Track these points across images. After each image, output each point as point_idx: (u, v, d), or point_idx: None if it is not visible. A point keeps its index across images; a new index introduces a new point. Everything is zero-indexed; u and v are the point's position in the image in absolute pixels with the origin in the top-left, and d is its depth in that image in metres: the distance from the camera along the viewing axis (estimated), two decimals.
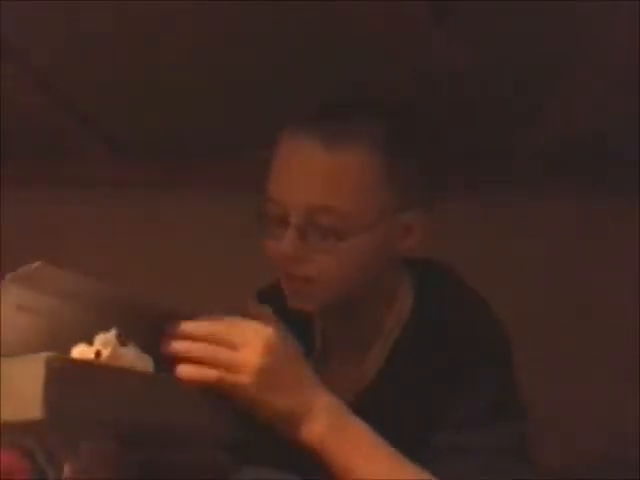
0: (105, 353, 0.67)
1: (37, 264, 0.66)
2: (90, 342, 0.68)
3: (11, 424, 0.60)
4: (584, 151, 1.58)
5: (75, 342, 0.68)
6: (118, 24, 1.05)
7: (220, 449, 0.81)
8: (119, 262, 1.70)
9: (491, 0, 0.96)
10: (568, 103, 1.31)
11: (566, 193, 1.68)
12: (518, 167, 1.64)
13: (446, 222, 1.66)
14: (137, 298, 0.72)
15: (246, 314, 0.80)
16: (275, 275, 0.96)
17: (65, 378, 0.61)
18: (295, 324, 0.99)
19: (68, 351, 0.67)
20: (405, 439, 0.88)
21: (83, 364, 0.65)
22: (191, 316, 0.77)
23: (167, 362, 0.74)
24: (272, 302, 1.01)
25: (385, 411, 0.92)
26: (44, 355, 0.60)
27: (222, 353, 0.76)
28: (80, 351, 0.67)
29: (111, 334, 0.68)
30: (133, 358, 0.69)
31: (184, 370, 0.75)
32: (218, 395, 0.75)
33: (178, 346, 0.76)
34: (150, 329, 0.74)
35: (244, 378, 0.75)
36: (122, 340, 0.68)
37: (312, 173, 0.83)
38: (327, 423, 0.78)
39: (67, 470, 0.64)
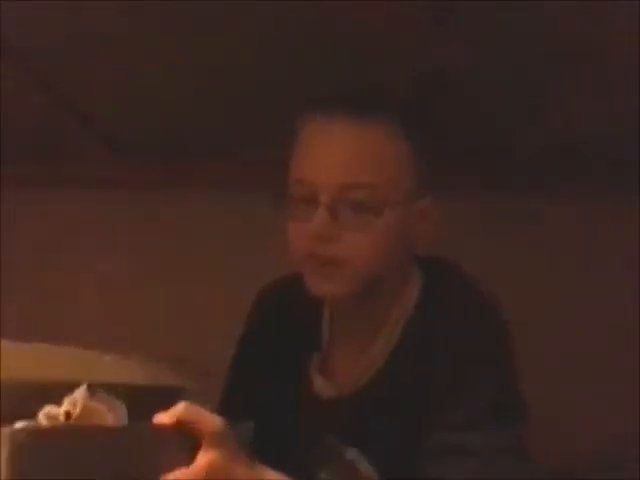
0: (75, 413, 0.65)
1: None
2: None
3: None
4: (584, 151, 1.58)
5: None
6: (118, 24, 1.05)
7: None
8: (119, 262, 1.70)
9: (491, 0, 0.96)
10: (568, 103, 1.31)
11: (566, 193, 1.68)
12: (518, 167, 1.64)
13: (446, 222, 1.66)
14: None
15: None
16: (275, 274, 0.96)
17: (31, 449, 0.60)
18: (302, 319, 1.00)
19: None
20: (404, 436, 0.88)
21: (49, 432, 0.63)
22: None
23: None
24: (275, 300, 1.02)
25: (385, 407, 0.92)
26: (7, 430, 0.59)
27: None
28: (47, 413, 0.65)
29: (80, 390, 0.67)
30: (105, 411, 0.67)
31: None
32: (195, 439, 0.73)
33: None
34: None
35: None
36: (92, 391, 0.67)
37: (342, 151, 0.84)
38: None
39: None
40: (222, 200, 1.63)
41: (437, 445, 0.85)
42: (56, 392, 0.67)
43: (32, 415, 0.65)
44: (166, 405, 0.71)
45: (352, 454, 0.94)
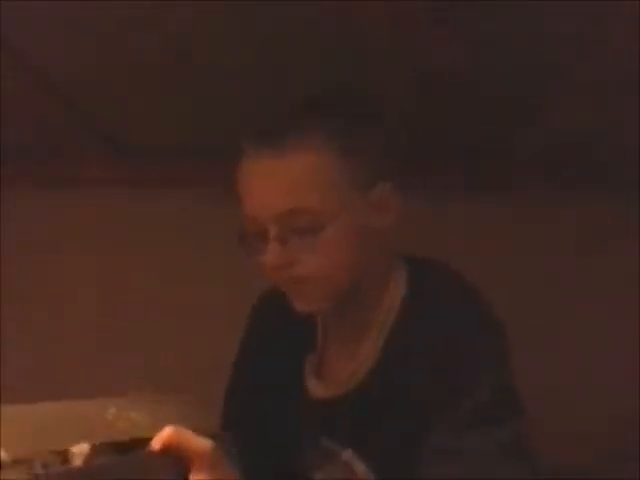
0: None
1: None
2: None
3: None
4: (584, 151, 1.58)
5: None
6: (118, 24, 1.05)
7: None
8: (119, 262, 1.70)
9: (491, 0, 0.96)
10: (568, 103, 1.31)
11: (566, 193, 1.68)
12: (518, 167, 1.65)
13: (446, 222, 1.67)
14: None
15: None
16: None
17: None
18: (298, 323, 1.00)
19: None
20: (400, 437, 0.88)
21: (73, 473, 0.65)
22: None
23: None
24: (275, 304, 1.03)
25: (380, 408, 0.92)
26: (43, 474, 0.61)
27: None
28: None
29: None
30: None
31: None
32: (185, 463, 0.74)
33: None
34: None
35: None
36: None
37: (270, 183, 0.88)
38: None
39: None
40: (222, 200, 1.63)
41: (435, 446, 0.85)
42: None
43: None
44: None
45: (347, 455, 0.94)
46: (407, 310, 0.94)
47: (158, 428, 0.71)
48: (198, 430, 0.73)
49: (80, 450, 0.68)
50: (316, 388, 1.00)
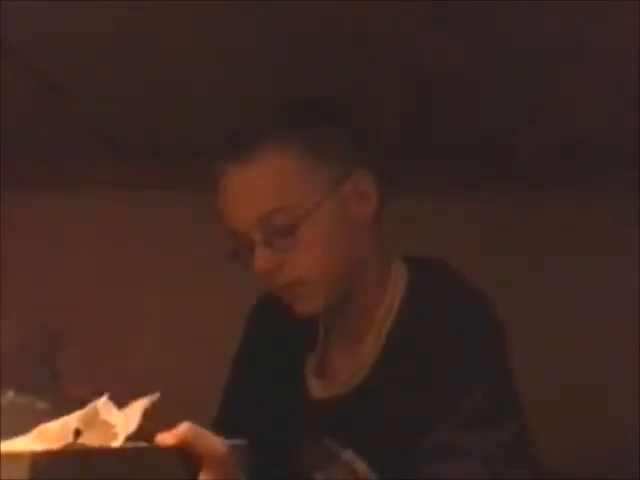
0: (84, 430, 0.66)
1: None
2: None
3: None
4: (584, 151, 1.58)
5: None
6: (118, 24, 1.05)
7: None
8: (119, 262, 1.70)
9: (491, 0, 0.96)
10: (568, 103, 1.31)
11: (566, 193, 1.68)
12: (518, 167, 1.64)
13: (446, 222, 1.67)
14: None
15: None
16: None
17: (51, 472, 0.59)
18: (298, 323, 1.00)
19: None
20: (401, 437, 0.88)
21: (68, 452, 0.63)
22: None
23: None
24: (274, 305, 1.03)
25: (380, 407, 0.92)
26: (29, 452, 0.59)
27: None
28: (58, 430, 0.65)
29: (90, 407, 0.67)
30: (113, 425, 0.68)
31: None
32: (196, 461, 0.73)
33: None
34: None
35: None
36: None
37: (243, 192, 0.92)
38: None
39: None
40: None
41: (435, 445, 0.85)
42: None
43: None
44: None
45: (348, 455, 0.94)
46: (407, 309, 0.94)
47: None
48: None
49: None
50: (317, 387, 1.00)
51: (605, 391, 1.60)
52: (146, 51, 1.14)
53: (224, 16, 1.02)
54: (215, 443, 0.71)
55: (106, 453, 0.66)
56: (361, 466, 0.94)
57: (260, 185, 0.91)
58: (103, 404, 0.69)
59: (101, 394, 0.71)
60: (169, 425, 0.71)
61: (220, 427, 1.08)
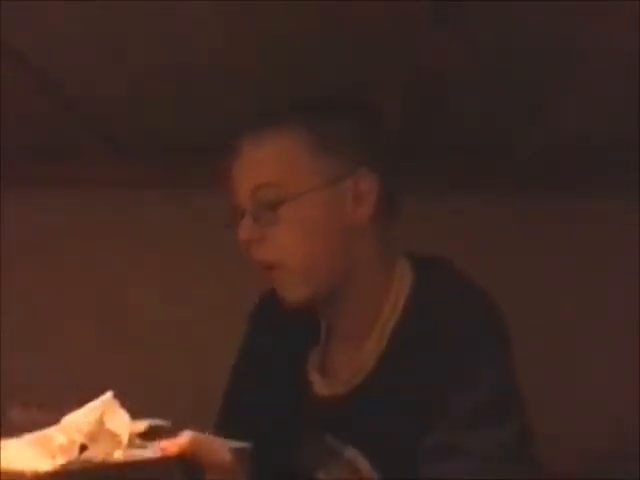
0: (89, 445, 0.66)
1: None
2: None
3: None
4: (584, 151, 1.58)
5: None
6: (118, 24, 1.05)
7: None
8: (119, 262, 1.70)
9: (491, 0, 0.96)
10: (568, 103, 1.31)
11: (566, 193, 1.68)
12: (518, 167, 1.64)
13: (446, 222, 1.67)
14: None
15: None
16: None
17: None
18: (300, 322, 1.01)
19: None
20: (403, 435, 0.88)
21: (72, 471, 0.63)
22: None
23: None
24: (276, 304, 1.04)
25: (382, 405, 0.92)
26: (31, 471, 0.59)
27: None
28: (61, 446, 0.65)
29: (94, 419, 0.67)
30: (117, 434, 0.68)
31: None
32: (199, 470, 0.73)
33: None
34: None
35: None
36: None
37: (247, 164, 0.96)
38: None
39: None
40: (222, 200, 1.63)
41: (436, 445, 0.84)
42: None
43: None
44: None
45: (351, 453, 0.94)
46: (411, 308, 0.94)
47: None
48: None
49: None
50: (319, 386, 1.00)
51: (605, 391, 1.60)
52: (146, 51, 1.14)
53: (223, 16, 1.02)
54: (218, 450, 0.71)
55: (110, 467, 0.66)
56: (364, 464, 0.94)
57: (260, 158, 0.95)
58: (108, 406, 0.69)
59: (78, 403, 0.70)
60: (171, 433, 0.71)
61: (222, 427, 1.10)
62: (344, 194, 0.94)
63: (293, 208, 0.92)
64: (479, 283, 0.94)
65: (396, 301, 0.95)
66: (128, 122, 1.47)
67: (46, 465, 0.62)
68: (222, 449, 0.71)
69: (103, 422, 0.68)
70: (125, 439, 0.67)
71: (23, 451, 0.64)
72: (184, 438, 0.69)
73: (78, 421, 0.67)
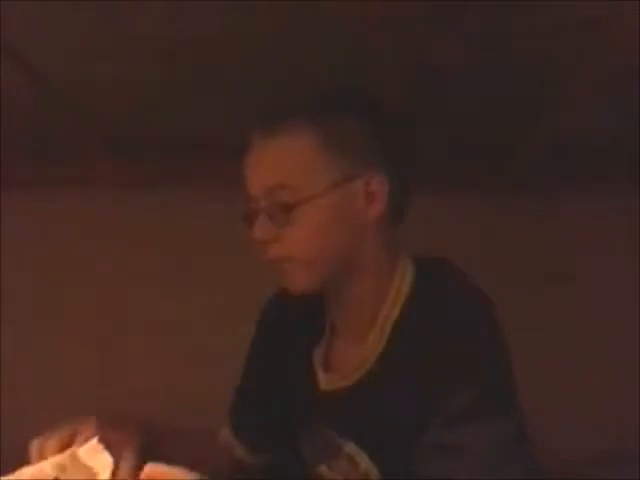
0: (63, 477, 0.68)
1: None
2: None
3: None
4: (584, 151, 1.58)
5: None
6: (118, 24, 1.05)
7: None
8: (119, 262, 1.70)
9: (491, 0, 0.96)
10: (568, 103, 1.31)
11: (566, 193, 1.68)
12: (518, 167, 1.65)
13: (446, 222, 1.67)
14: None
15: None
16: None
17: None
18: (306, 321, 1.02)
19: None
20: (403, 431, 0.89)
21: None
22: None
23: None
24: (283, 305, 1.04)
25: (383, 401, 0.93)
26: None
27: None
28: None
29: (67, 454, 0.69)
30: (91, 468, 0.71)
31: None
32: None
33: None
34: None
35: None
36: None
37: (261, 162, 0.95)
38: None
39: None
40: (222, 200, 1.63)
41: (434, 442, 0.85)
42: None
43: None
44: None
45: (351, 448, 0.95)
46: (411, 306, 0.95)
47: None
48: None
49: None
50: (323, 380, 1.01)
51: (605, 391, 1.60)
52: (146, 51, 1.14)
53: (223, 17, 1.02)
54: (182, 478, 0.72)
55: None
56: (363, 459, 0.94)
57: (273, 158, 0.94)
58: (86, 450, 0.70)
59: None
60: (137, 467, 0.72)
61: (233, 424, 1.11)
62: (355, 194, 0.94)
63: (307, 210, 0.92)
64: (478, 283, 0.95)
65: (397, 299, 0.96)
66: (128, 122, 1.47)
67: None
68: (184, 475, 0.73)
69: (78, 457, 0.69)
70: (104, 476, 0.69)
71: None
72: (146, 469, 0.71)
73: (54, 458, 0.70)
